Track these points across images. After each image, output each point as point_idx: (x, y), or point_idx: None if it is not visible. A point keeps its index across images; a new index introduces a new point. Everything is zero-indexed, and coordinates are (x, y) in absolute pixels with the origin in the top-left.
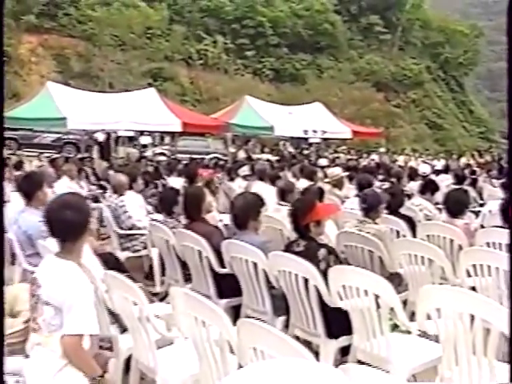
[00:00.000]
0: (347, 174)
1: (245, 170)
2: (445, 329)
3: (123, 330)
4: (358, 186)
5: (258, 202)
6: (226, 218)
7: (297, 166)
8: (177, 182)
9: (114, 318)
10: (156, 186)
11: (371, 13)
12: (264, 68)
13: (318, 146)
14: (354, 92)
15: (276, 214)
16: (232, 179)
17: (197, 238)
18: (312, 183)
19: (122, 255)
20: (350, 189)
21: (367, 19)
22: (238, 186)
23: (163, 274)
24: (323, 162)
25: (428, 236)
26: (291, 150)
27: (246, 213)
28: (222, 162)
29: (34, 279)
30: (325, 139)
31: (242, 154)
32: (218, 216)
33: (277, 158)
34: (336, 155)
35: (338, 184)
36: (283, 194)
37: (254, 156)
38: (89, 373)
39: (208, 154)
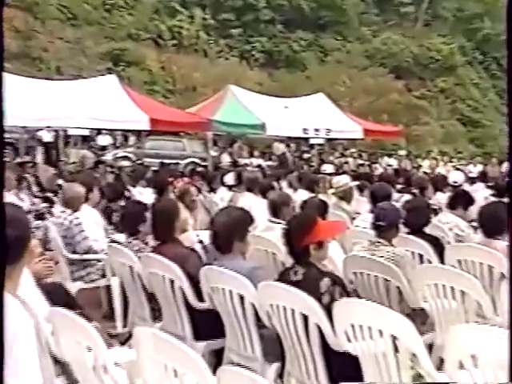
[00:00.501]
0: (357, 183)
1: (229, 179)
2: (482, 381)
3: (72, 383)
4: (372, 198)
5: (246, 218)
6: (206, 239)
7: (294, 173)
8: (144, 194)
9: (62, 367)
10: (117, 199)
11: None
12: (253, 50)
13: (320, 149)
14: (366, 80)
15: (268, 233)
16: (213, 190)
17: (168, 263)
18: (313, 195)
19: (74, 286)
20: (360, 202)
21: None
22: (221, 198)
23: (126, 310)
24: (327, 168)
25: (460, 261)
26: (287, 153)
27: (230, 232)
28: (200, 169)
29: None
30: (330, 140)
31: (225, 159)
32: (196, 236)
33: (269, 163)
34: (343, 160)
35: (345, 196)
36: (276, 209)
37: (241, 161)
38: None
39: (183, 158)
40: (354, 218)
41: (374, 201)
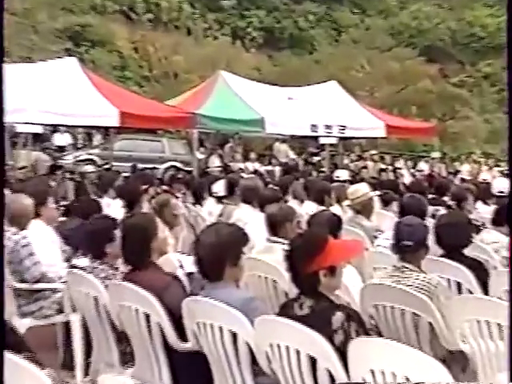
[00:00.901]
0: (379, 193)
1: (220, 188)
2: None
3: None
4: (402, 214)
5: (239, 237)
6: (190, 263)
7: (300, 181)
8: (112, 207)
9: None
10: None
11: None
12: (249, 27)
13: (333, 151)
14: (390, 64)
15: (267, 255)
16: (199, 201)
17: (143, 294)
18: (323, 208)
19: (22, 324)
20: (383, 217)
21: None
22: (209, 212)
23: (88, 353)
24: (342, 174)
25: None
26: (292, 155)
27: (219, 255)
28: (183, 175)
29: None
30: (344, 139)
31: (215, 163)
32: (178, 260)
33: (269, 168)
34: (361, 164)
35: (364, 209)
36: (276, 225)
37: (234, 166)
38: None
39: (162, 161)
40: (374, 237)
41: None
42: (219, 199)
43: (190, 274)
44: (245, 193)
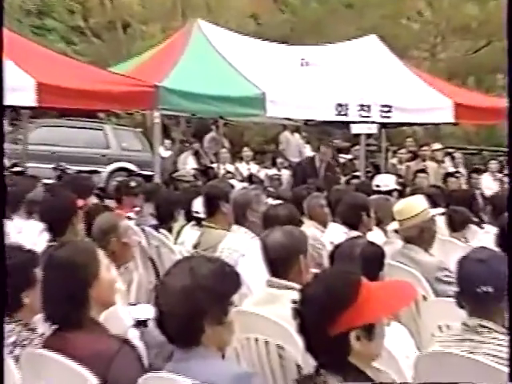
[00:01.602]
0: (444, 211)
1: (199, 205)
2: None
3: None
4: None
5: (226, 279)
6: (149, 319)
7: (319, 192)
8: (27, 233)
9: None
10: None
11: None
12: None
13: (372, 145)
14: (463, 8)
15: (268, 308)
16: (165, 224)
17: (76, 369)
18: (355, 234)
19: None
20: (451, 248)
21: None
22: (182, 241)
23: None
24: (386, 182)
25: None
26: (308, 152)
27: (196, 308)
28: (138, 183)
29: None
30: (390, 127)
31: (188, 163)
32: (130, 314)
33: (272, 171)
34: (417, 165)
35: (420, 236)
36: (281, 262)
37: (220, 168)
38: None
39: (106, 161)
40: (437, 280)
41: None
42: (198, 221)
43: (147, 337)
44: (237, 210)
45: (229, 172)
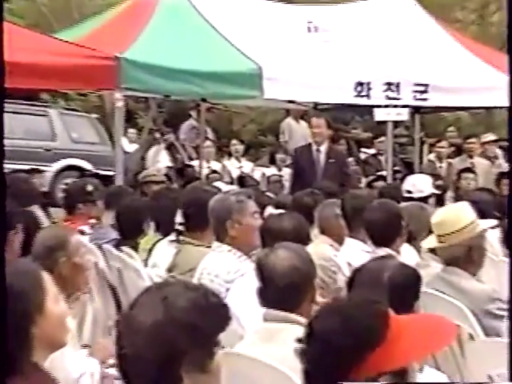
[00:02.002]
0: (496, 223)
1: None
2: None
3: None
4: None
5: (210, 313)
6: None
7: (333, 199)
8: None
9: None
10: None
11: None
12: None
13: (403, 135)
14: None
15: (266, 348)
16: (131, 240)
17: None
18: (381, 254)
19: None
20: (504, 269)
21: None
22: (153, 263)
23: None
24: (420, 185)
25: None
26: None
27: (169, 349)
28: (95, 186)
29: None
30: (425, 112)
31: (161, 160)
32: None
33: (271, 171)
34: (462, 163)
35: (465, 257)
36: (281, 290)
37: (202, 166)
38: None
39: (52, 157)
40: (487, 313)
41: None
42: (178, 234)
43: None
44: (215, 223)
45: (214, 171)
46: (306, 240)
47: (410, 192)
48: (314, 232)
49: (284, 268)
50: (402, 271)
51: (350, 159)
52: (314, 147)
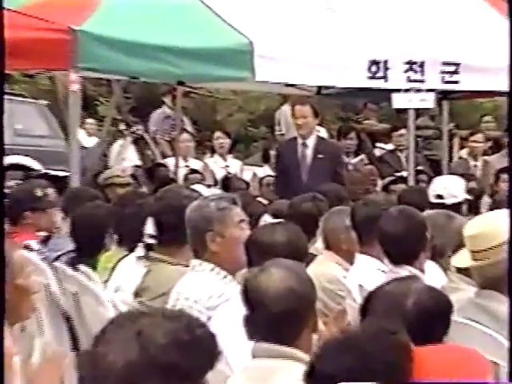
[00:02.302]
0: None
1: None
2: None
3: None
4: None
5: (193, 351)
6: None
7: (342, 206)
8: None
9: None
10: None
11: None
12: None
13: (428, 127)
14: None
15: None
16: (91, 257)
17: None
18: (402, 275)
19: None
20: None
21: None
22: (116, 287)
23: None
24: (452, 186)
25: None
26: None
27: None
28: (43, 193)
29: None
30: (454, 97)
31: (127, 157)
32: None
33: (264, 170)
34: (500, 161)
35: (505, 279)
36: (278, 320)
37: (179, 164)
38: None
39: None
40: None
41: None
42: (147, 250)
43: None
44: (193, 235)
45: (193, 171)
46: (303, 256)
47: (440, 197)
48: (318, 247)
49: (278, 290)
50: (430, 296)
51: (361, 157)
52: (300, 141)
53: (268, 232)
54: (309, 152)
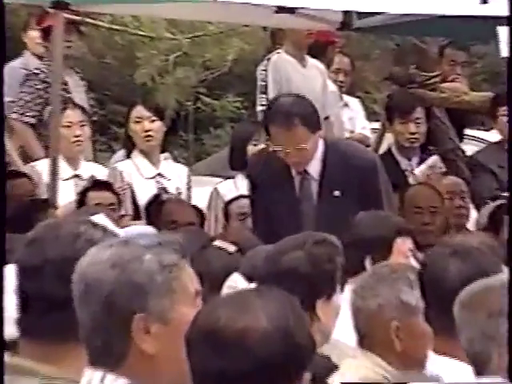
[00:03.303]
0: None
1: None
2: None
3: None
4: None
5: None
6: None
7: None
8: None
9: None
10: None
11: None
12: None
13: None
14: None
15: None
16: None
17: None
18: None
19: None
20: None
21: None
22: None
23: None
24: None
25: None
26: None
27: None
28: None
29: None
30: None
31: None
32: None
33: (246, 192)
34: None
35: None
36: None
37: (62, 175)
38: None
39: None
40: None
41: None
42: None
43: None
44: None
45: (92, 187)
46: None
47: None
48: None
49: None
50: None
51: (434, 159)
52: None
53: (232, 315)
54: (314, 185)
